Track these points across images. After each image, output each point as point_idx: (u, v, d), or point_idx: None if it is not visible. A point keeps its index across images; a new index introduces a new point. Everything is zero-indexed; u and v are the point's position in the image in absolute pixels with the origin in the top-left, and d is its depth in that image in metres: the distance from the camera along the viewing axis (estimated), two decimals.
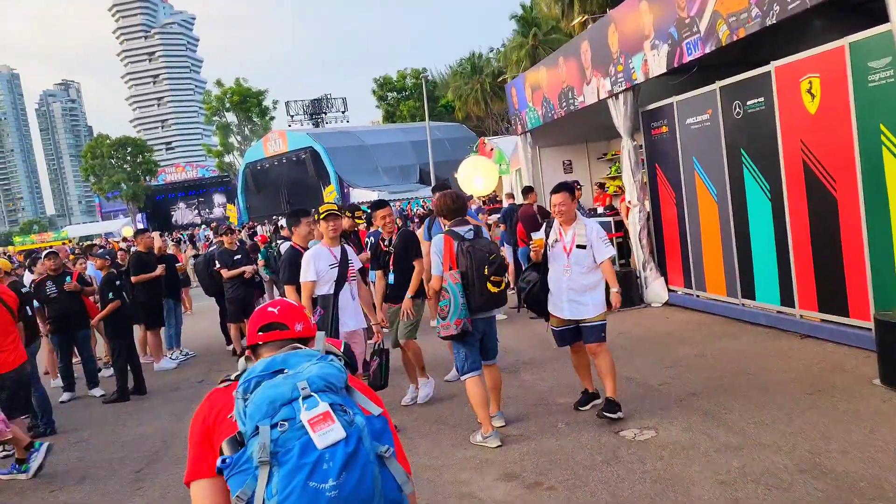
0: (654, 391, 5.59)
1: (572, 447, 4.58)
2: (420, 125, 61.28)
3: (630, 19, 8.67)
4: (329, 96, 69.19)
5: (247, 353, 1.92)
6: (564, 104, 11.20)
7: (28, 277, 9.35)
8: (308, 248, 5.34)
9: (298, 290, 5.15)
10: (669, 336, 7.43)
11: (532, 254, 5.43)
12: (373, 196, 46.39)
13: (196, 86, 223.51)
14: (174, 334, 9.80)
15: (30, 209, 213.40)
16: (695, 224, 8.40)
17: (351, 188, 49.90)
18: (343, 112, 69.46)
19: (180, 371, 8.96)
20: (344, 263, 5.12)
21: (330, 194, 48.80)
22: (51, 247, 11.87)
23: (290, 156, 51.95)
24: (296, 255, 5.32)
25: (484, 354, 5.16)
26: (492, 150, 33.10)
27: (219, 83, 64.13)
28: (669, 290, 9.12)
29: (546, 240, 5.33)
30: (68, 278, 7.90)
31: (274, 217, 46.75)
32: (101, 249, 8.81)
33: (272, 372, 1.68)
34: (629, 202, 9.69)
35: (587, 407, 5.29)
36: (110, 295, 7.63)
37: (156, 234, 14.02)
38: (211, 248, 9.43)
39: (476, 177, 17.86)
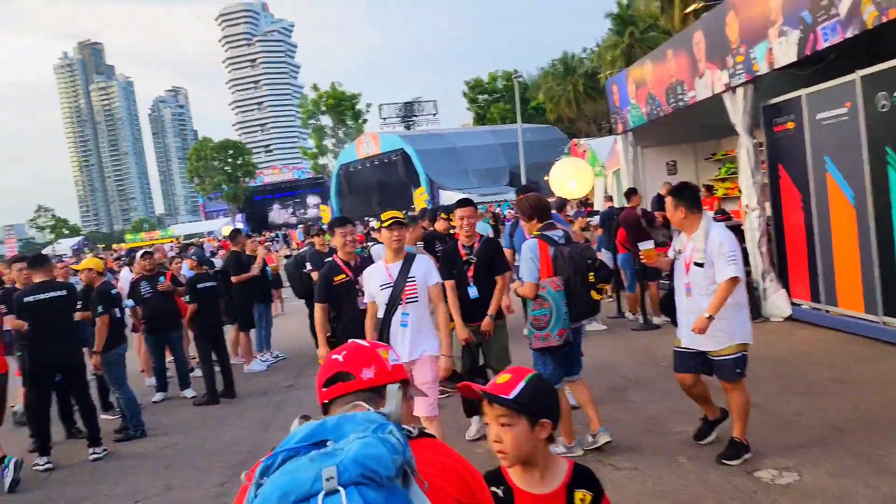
0: (788, 423, 4.87)
1: (698, 488, 3.97)
2: (510, 127, 60.68)
3: (753, 4, 7.86)
4: (420, 99, 69.77)
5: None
6: (672, 100, 10.43)
7: (128, 275, 9.51)
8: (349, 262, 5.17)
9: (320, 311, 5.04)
10: (797, 356, 6.61)
11: (645, 262, 4.87)
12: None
13: (294, 91, 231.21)
14: (264, 336, 9.71)
15: (141, 208, 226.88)
16: (825, 230, 7.50)
17: (441, 190, 49.91)
18: (434, 115, 69.82)
19: (270, 374, 8.83)
20: (400, 283, 4.41)
21: (420, 196, 49.02)
22: (152, 245, 12.09)
23: (381, 158, 52.51)
24: (329, 271, 5.09)
25: (569, 369, 4.74)
26: (584, 152, 32.16)
27: (315, 87, 65.73)
28: (792, 304, 8.23)
29: (674, 248, 4.65)
30: (162, 278, 7.90)
31: (365, 218, 47.32)
32: (196, 249, 8.81)
33: (311, 444, 1.17)
34: (746, 206, 8.84)
35: (711, 437, 4.62)
36: (186, 298, 7.57)
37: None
38: (302, 250, 9.26)
39: (570, 180, 17.16)
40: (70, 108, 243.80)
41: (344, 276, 5.02)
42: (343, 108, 65.30)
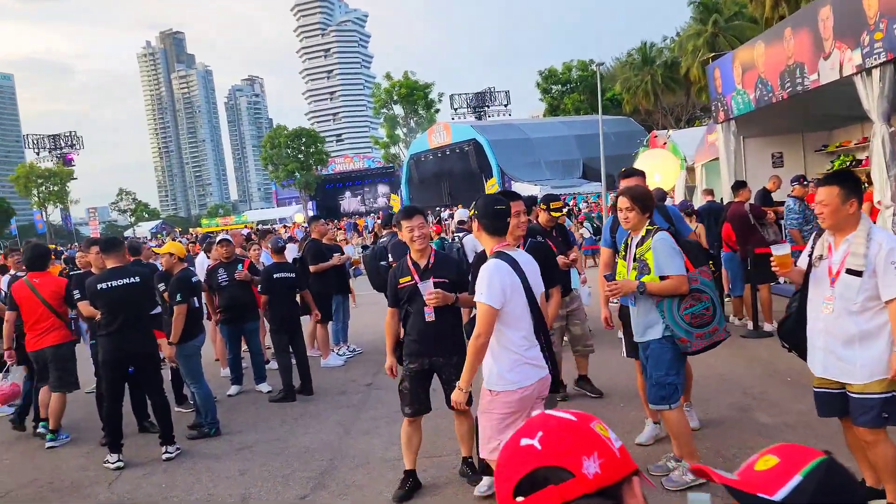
0: None
1: None
2: (584, 118, 59.23)
3: None
4: (493, 89, 68.99)
5: None
6: (788, 84, 9.43)
7: (204, 261, 9.23)
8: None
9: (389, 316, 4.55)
10: None
11: (777, 271, 3.95)
12: (534, 190, 45.28)
13: (366, 80, 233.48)
14: (341, 329, 9.28)
15: (216, 194, 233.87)
16: None
17: (512, 181, 49.06)
18: (506, 105, 69.04)
19: (347, 370, 8.38)
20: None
21: (491, 187, 48.27)
22: (227, 231, 11.85)
23: (453, 147, 51.96)
24: (395, 272, 4.52)
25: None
26: (664, 143, 30.79)
27: (388, 76, 65.71)
28: None
29: (810, 253, 3.66)
30: (240, 266, 7.53)
31: (437, 209, 46.92)
32: (274, 237, 8.43)
33: None
34: (878, 202, 7.85)
35: None
36: (260, 288, 7.15)
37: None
38: (381, 240, 8.77)
39: (655, 172, 16.19)
40: (151, 96, 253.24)
41: (409, 279, 4.35)
42: (415, 97, 65.08)
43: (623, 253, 4.44)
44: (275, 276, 7.22)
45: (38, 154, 67.11)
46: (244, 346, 7.91)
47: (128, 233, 74.38)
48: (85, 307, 6.04)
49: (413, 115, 67.20)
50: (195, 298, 6.01)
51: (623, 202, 4.27)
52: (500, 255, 3.47)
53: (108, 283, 5.32)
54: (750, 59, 10.60)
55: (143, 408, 6.31)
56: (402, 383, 4.38)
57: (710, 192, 11.38)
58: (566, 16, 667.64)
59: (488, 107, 67.90)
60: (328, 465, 5.12)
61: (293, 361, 7.34)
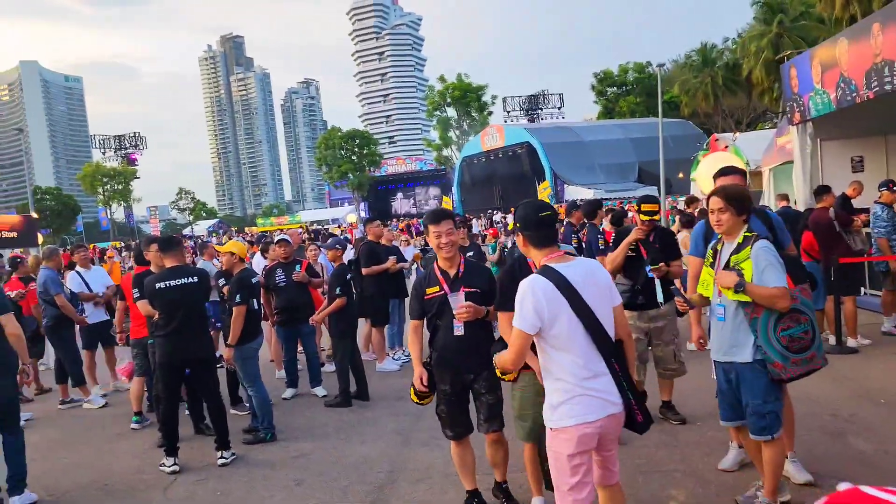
0: None
1: None
2: (640, 121, 58.12)
3: None
4: (546, 92, 68.32)
5: None
6: (875, 84, 8.82)
7: (261, 262, 9.15)
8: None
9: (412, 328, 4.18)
10: None
11: None
12: (588, 194, 44.53)
13: (419, 83, 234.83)
14: (396, 333, 9.07)
15: (271, 194, 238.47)
16: None
17: (565, 185, 48.42)
18: (559, 108, 68.25)
19: (403, 375, 8.14)
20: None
21: (544, 190, 47.68)
22: (282, 230, 11.79)
23: (506, 150, 51.64)
24: (422, 280, 4.14)
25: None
26: (726, 147, 29.83)
27: (442, 79, 65.72)
28: None
29: None
30: (298, 267, 7.38)
31: (489, 211, 46.62)
32: (335, 238, 8.28)
33: None
34: None
35: None
36: (338, 290, 6.92)
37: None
38: None
39: (710, 177, 15.50)
40: (211, 98, 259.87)
41: (437, 289, 3.96)
42: (469, 99, 64.94)
43: (710, 260, 4.06)
44: (348, 276, 7.05)
45: (103, 154, 69.40)
46: (300, 349, 7.79)
47: (186, 231, 76.25)
48: (143, 306, 5.96)
49: (466, 118, 67.03)
50: (255, 300, 5.85)
51: (715, 202, 3.89)
52: (545, 270, 2.94)
53: (167, 283, 5.21)
54: (831, 58, 10.00)
55: (200, 410, 6.21)
56: (439, 406, 4.14)
57: (784, 196, 10.80)
58: (622, 17, 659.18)
59: (541, 109, 67.28)
60: (387, 479, 4.89)
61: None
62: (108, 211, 71.28)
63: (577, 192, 45.87)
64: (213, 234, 62.34)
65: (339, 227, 49.10)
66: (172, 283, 5.21)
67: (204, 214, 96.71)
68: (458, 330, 3.90)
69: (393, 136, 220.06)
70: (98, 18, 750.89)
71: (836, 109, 10.00)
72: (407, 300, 9.24)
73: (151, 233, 65.98)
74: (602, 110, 68.96)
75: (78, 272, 8.17)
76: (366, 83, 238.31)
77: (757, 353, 3.72)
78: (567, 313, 2.85)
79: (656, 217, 5.58)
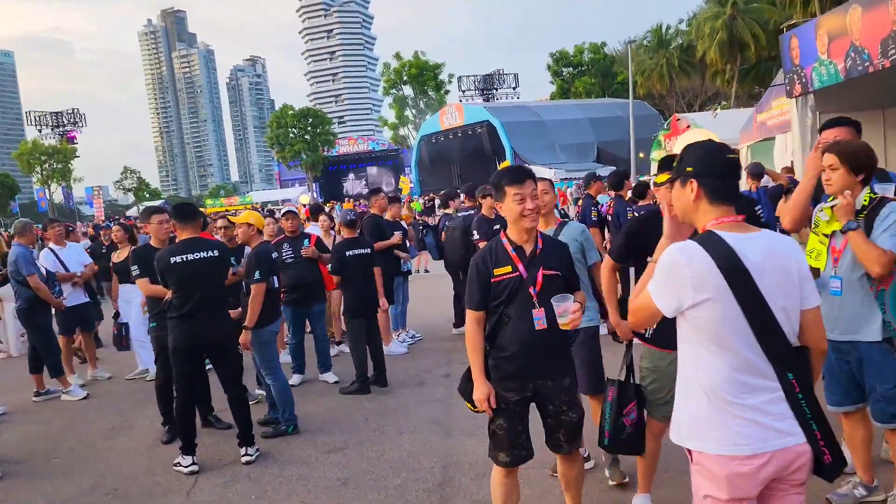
0: None
1: None
2: (598, 101, 58.33)
3: None
4: (501, 72, 67.93)
5: None
6: (893, 51, 8.57)
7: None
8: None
9: (473, 323, 3.18)
10: None
11: None
12: (549, 173, 44.42)
13: (368, 62, 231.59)
14: (400, 313, 8.50)
15: (218, 175, 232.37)
16: None
17: (526, 164, 48.20)
18: (514, 88, 67.98)
19: (413, 358, 7.59)
20: None
21: None
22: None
23: (465, 129, 51.07)
24: (486, 256, 3.16)
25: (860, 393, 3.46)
26: (687, 127, 29.96)
27: (398, 56, 64.55)
28: None
29: None
30: (306, 242, 6.73)
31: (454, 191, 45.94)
32: (344, 211, 7.59)
33: None
34: None
35: None
36: (331, 267, 6.32)
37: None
38: (465, 212, 7.93)
39: None
40: (153, 75, 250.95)
41: (508, 269, 3.06)
42: (425, 77, 63.99)
43: (824, 228, 3.60)
44: (348, 253, 6.40)
45: (39, 131, 66.03)
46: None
47: (131, 212, 73.41)
48: (144, 284, 5.25)
49: (423, 97, 66.11)
50: (275, 277, 5.20)
51: (829, 159, 3.45)
52: (708, 238, 2.11)
53: (184, 257, 4.51)
54: (840, 27, 9.74)
55: (207, 399, 5.54)
56: (496, 422, 3.11)
57: (790, 169, 10.56)
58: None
59: (497, 89, 66.93)
60: (443, 476, 4.35)
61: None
62: (48, 191, 67.94)
63: (538, 172, 45.17)
64: None
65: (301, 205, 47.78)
66: (190, 256, 4.52)
67: (147, 195, 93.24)
68: (540, 322, 3.02)
69: (343, 116, 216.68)
70: None
71: (844, 80, 9.77)
72: (409, 279, 8.72)
73: (95, 215, 63.33)
74: (559, 90, 68.89)
75: (52, 249, 7.33)
76: (314, 61, 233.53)
77: (886, 331, 3.31)
78: (724, 301, 2.03)
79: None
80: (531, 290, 3.05)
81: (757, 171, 8.33)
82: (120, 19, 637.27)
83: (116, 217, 42.79)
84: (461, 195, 8.73)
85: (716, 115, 21.81)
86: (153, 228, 5.34)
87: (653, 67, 58.71)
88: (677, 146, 18.63)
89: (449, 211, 8.57)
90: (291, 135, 65.57)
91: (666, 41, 59.52)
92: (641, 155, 43.56)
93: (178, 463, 4.68)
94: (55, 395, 6.98)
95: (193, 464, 4.64)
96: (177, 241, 4.75)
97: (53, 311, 7.04)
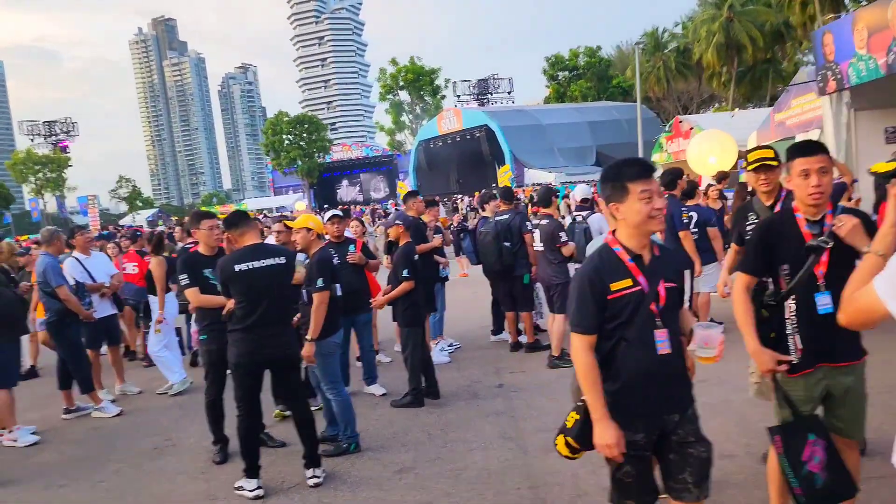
0: None
1: None
2: (597, 105, 58.25)
3: None
4: (496, 76, 67.81)
5: None
6: None
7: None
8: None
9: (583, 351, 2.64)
10: None
11: None
12: (549, 177, 44.19)
13: (360, 69, 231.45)
14: (438, 321, 8.16)
15: (210, 183, 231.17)
16: None
17: (525, 168, 47.99)
18: (509, 92, 67.85)
19: (458, 368, 7.26)
20: None
21: (504, 174, 47.20)
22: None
23: (463, 134, 50.85)
24: (599, 266, 2.64)
25: None
26: (691, 129, 29.79)
27: (394, 62, 64.30)
28: None
29: None
30: (352, 247, 6.39)
31: (454, 196, 45.72)
32: (399, 212, 7.22)
33: None
34: None
35: None
36: (405, 272, 5.97)
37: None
38: (503, 216, 7.61)
39: (710, 154, 15.25)
40: (144, 83, 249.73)
41: (629, 283, 2.57)
42: (422, 83, 63.76)
43: None
44: (415, 257, 6.08)
45: (32, 140, 65.40)
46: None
47: (126, 220, 72.71)
48: (194, 294, 4.91)
49: (419, 102, 65.86)
50: (338, 285, 4.86)
51: None
52: None
53: (249, 264, 4.17)
54: (881, 21, 9.49)
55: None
56: (622, 469, 2.61)
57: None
58: (570, 3, 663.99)
59: (491, 94, 66.74)
60: (534, 497, 4.02)
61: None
62: (42, 201, 67.21)
63: (538, 176, 45.57)
64: (154, 225, 59.51)
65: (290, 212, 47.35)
66: (256, 264, 4.18)
67: (140, 204, 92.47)
68: (664, 346, 2.56)
69: (335, 123, 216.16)
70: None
71: (886, 75, 9.53)
72: (446, 284, 8.38)
73: (90, 224, 62.67)
74: (555, 94, 68.80)
75: (77, 258, 6.96)
76: (306, 68, 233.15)
77: None
78: None
79: (773, 164, 4.06)
80: (653, 306, 2.56)
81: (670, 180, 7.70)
82: (107, 27, 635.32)
83: (111, 227, 42.23)
84: (497, 198, 8.41)
85: (733, 116, 21.55)
86: (203, 234, 5.01)
87: (650, 70, 58.75)
88: (692, 147, 18.33)
89: (486, 214, 8.25)
90: (287, 141, 65.12)
91: (662, 44, 59.66)
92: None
93: (241, 487, 4.33)
94: (86, 411, 6.62)
95: (259, 488, 4.29)
96: (235, 246, 4.41)
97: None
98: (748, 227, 4.15)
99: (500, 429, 5.24)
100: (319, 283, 4.61)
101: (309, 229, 4.76)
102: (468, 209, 37.00)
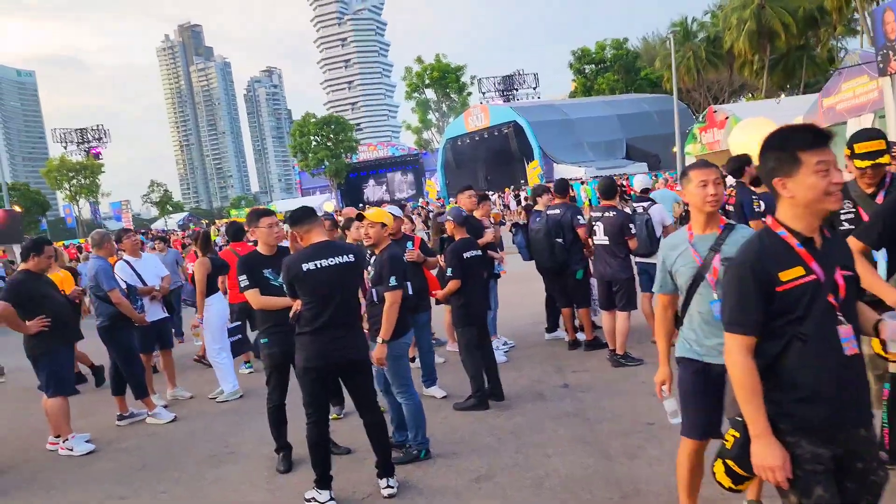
0: None
1: None
2: (626, 97, 57.53)
3: None
4: (521, 72, 67.33)
5: None
6: None
7: None
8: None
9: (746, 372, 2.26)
10: None
11: None
12: (579, 172, 43.70)
13: (383, 69, 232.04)
14: (492, 319, 7.88)
15: (237, 186, 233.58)
16: None
17: (554, 163, 47.49)
18: (535, 88, 67.32)
19: (517, 367, 6.97)
20: None
21: (533, 170, 46.77)
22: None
23: (491, 130, 50.55)
24: (761, 254, 2.25)
25: None
26: (726, 118, 29.16)
27: (419, 60, 64.20)
28: None
29: None
30: (410, 244, 6.16)
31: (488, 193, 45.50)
32: (453, 208, 6.98)
33: None
34: None
35: None
36: (449, 271, 5.72)
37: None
38: (555, 210, 7.34)
39: (753, 143, 14.73)
40: (171, 89, 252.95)
41: (801, 270, 2.17)
42: (448, 80, 63.53)
43: None
44: (465, 255, 5.81)
45: (65, 148, 66.48)
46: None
47: (157, 225, 73.56)
48: (254, 296, 4.70)
49: (445, 100, 65.65)
50: (410, 283, 4.61)
51: None
52: None
53: (317, 263, 3.94)
54: None
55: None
56: (813, 493, 2.15)
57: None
58: None
59: (517, 90, 66.30)
60: None
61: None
62: (76, 207, 68.31)
63: (567, 171, 45.06)
64: (185, 228, 60.03)
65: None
66: (324, 263, 3.95)
67: (170, 208, 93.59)
68: (851, 345, 2.18)
69: (359, 123, 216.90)
70: (45, 9, 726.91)
71: None
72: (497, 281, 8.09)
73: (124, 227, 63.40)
74: (581, 88, 68.12)
75: (127, 261, 6.82)
76: (330, 70, 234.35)
77: None
78: None
79: (884, 161, 3.74)
80: (832, 298, 2.18)
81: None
82: (135, 34, 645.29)
83: (143, 231, 42.65)
84: (550, 191, 8.12)
85: (779, 102, 20.99)
86: (263, 233, 4.80)
87: (679, 61, 57.81)
88: (735, 135, 17.82)
89: (539, 208, 7.96)
90: (314, 143, 65.32)
91: (692, 34, 58.72)
92: (675, 150, 42.79)
93: (313, 499, 4.11)
94: (140, 417, 6.47)
95: (332, 499, 4.06)
96: (300, 244, 4.19)
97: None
98: (843, 217, 3.84)
99: (575, 432, 4.96)
100: (392, 281, 4.36)
101: (383, 224, 4.51)
102: (503, 206, 36.62)
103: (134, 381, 6.31)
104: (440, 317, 7.94)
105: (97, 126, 67.26)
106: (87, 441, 5.87)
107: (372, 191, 69.02)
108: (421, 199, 48.75)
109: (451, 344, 8.07)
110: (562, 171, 46.50)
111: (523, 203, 25.12)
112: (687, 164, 31.88)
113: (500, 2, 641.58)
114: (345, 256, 4.05)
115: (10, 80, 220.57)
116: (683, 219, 10.17)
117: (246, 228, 5.88)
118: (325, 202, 63.93)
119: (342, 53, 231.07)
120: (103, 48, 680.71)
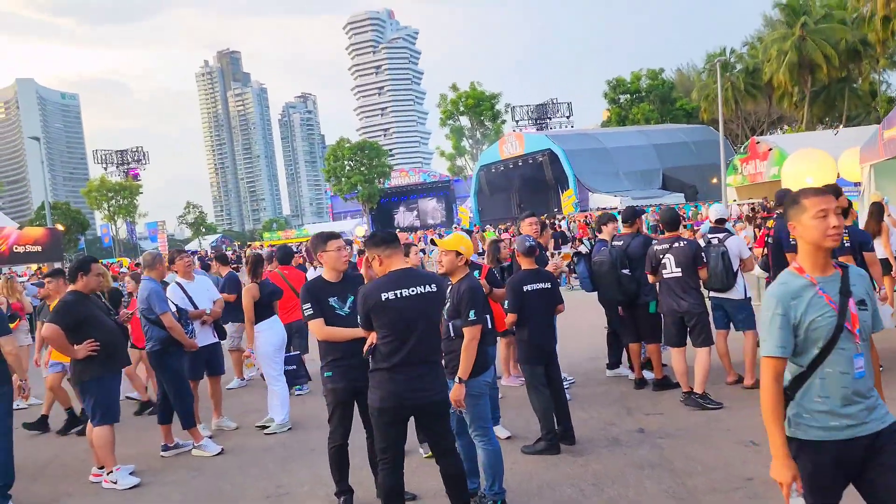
0: None
1: None
2: (662, 127, 57.01)
3: None
4: (555, 100, 67.27)
5: None
6: None
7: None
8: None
9: None
10: None
11: None
12: (614, 202, 43.10)
13: (416, 97, 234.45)
14: None
15: (270, 209, 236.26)
16: None
17: (590, 192, 47.00)
18: (568, 117, 67.17)
19: (582, 408, 6.52)
20: None
21: (568, 199, 46.34)
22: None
23: (525, 158, 50.28)
24: None
25: None
26: (769, 150, 28.50)
27: (454, 87, 64.50)
28: None
29: None
30: (476, 273, 5.78)
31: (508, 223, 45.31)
32: (522, 237, 6.62)
33: None
34: None
35: None
36: (506, 304, 5.35)
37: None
38: (619, 241, 6.94)
39: (807, 175, 14.28)
40: (209, 113, 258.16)
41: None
42: (482, 108, 63.65)
43: None
44: (525, 288, 5.42)
45: (105, 169, 67.76)
46: None
47: (191, 246, 74.40)
48: (318, 326, 4.35)
49: (479, 127, 65.74)
50: (487, 316, 4.24)
51: None
52: None
53: (398, 293, 3.59)
54: None
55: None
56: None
57: None
58: (627, 25, 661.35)
59: (550, 118, 66.22)
60: None
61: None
62: (114, 227, 69.40)
63: (602, 200, 44.57)
64: (219, 250, 60.45)
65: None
66: (405, 292, 3.60)
67: (203, 230, 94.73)
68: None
69: (391, 150, 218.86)
70: (91, 36, 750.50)
71: None
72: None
73: (158, 248, 64.20)
74: (616, 117, 67.82)
75: (179, 283, 6.56)
76: (363, 97, 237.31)
77: None
78: None
79: None
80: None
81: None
82: (175, 60, 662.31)
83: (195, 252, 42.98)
84: (617, 219, 7.72)
85: (836, 133, 20.37)
86: (331, 257, 4.46)
87: (716, 92, 57.25)
88: (789, 166, 17.19)
89: (604, 237, 7.56)
90: (348, 167, 65.72)
91: (730, 65, 58.17)
92: (714, 180, 42.05)
93: None
94: (185, 449, 6.14)
95: None
96: (377, 271, 3.84)
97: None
98: None
99: (665, 486, 4.50)
100: (472, 315, 3.99)
101: (459, 253, 4.15)
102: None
103: (182, 410, 5.99)
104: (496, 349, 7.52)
105: (136, 148, 68.48)
106: (131, 473, 5.55)
107: (402, 216, 69.13)
108: (455, 226, 48.50)
109: (507, 378, 7.68)
110: (597, 200, 46.01)
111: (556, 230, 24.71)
112: (729, 195, 31.21)
113: (533, 33, 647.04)
114: (427, 286, 3.69)
115: (54, 102, 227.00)
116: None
117: (298, 251, 5.55)
118: (357, 227, 64.22)
119: (376, 81, 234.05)
120: (146, 72, 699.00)
